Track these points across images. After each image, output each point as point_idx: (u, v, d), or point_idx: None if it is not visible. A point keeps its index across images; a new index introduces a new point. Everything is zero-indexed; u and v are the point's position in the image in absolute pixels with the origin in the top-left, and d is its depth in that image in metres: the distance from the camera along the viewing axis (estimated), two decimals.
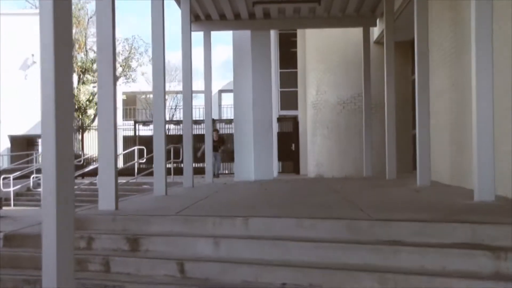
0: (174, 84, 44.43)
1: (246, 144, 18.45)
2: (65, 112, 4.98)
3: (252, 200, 9.80)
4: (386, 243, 5.82)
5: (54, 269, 5.40)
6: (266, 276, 5.85)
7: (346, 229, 6.19)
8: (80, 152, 32.34)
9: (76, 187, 23.22)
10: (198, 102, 42.79)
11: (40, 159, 31.64)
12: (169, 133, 31.62)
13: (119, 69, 40.88)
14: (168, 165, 23.65)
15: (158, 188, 10.78)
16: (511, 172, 8.09)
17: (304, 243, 6.11)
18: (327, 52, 20.12)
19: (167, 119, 35.62)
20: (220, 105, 50.99)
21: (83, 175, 26.13)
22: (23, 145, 35.87)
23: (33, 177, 25.01)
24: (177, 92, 43.40)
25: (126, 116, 49.84)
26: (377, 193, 10.18)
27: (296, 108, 28.47)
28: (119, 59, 41.15)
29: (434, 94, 12.15)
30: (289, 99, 31.49)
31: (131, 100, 52.46)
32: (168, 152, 18.08)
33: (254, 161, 18.30)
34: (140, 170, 25.63)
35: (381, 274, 5.38)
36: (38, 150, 33.20)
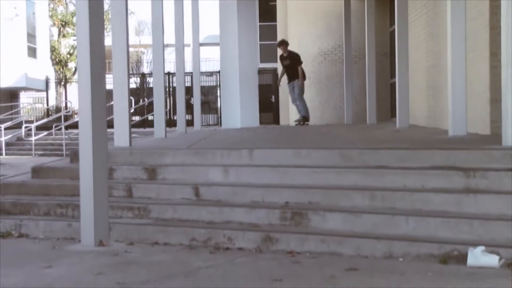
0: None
1: (232, 93, 19.32)
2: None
3: (248, 139, 10.75)
4: (374, 167, 6.81)
5: (91, 193, 6.38)
6: (271, 196, 6.84)
7: (338, 157, 7.17)
8: (68, 104, 33.04)
9: (66, 136, 24.03)
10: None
11: (23, 111, 32.29)
12: (150, 86, 32.28)
13: None
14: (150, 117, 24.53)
15: (158, 131, 11.71)
16: (481, 111, 9.10)
17: (302, 169, 7.09)
18: (309, 5, 20.94)
19: (147, 72, 36.28)
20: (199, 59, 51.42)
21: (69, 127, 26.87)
22: (6, 97, 36.44)
23: (24, 127, 25.75)
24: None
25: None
26: (361, 133, 11.19)
27: (275, 61, 29.31)
28: None
29: (412, 44, 13.09)
30: (268, 52, 32.26)
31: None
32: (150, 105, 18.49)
33: (241, 110, 19.19)
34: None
35: (371, 192, 6.39)
36: (21, 102, 33.77)
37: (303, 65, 16.96)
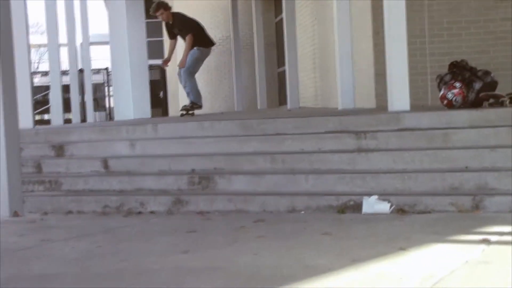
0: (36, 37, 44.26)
1: (124, 88, 19.51)
2: None
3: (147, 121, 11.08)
4: (273, 134, 7.31)
5: (4, 167, 6.64)
6: (178, 165, 7.24)
7: (239, 127, 7.63)
8: None
9: None
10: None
11: None
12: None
13: None
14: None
15: (56, 120, 11.92)
16: (366, 87, 9.81)
17: (206, 139, 7.52)
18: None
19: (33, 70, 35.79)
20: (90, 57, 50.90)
21: None
22: None
23: None
24: (40, 46, 43.29)
25: None
26: (257, 113, 11.74)
27: (162, 56, 29.51)
28: None
29: (300, 31, 13.76)
30: (155, 49, 32.40)
31: None
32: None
33: (133, 103, 19.40)
34: None
35: (271, 155, 6.90)
36: None
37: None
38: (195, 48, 11.30)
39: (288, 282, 3.65)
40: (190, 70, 11.46)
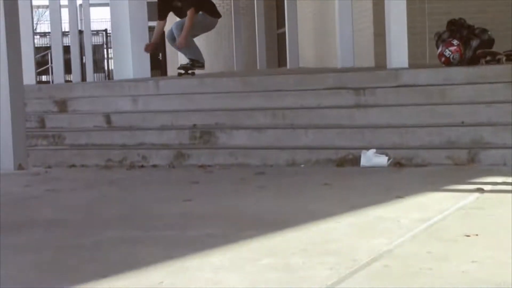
0: None
1: (125, 48, 19.57)
2: None
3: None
4: (273, 91, 7.42)
5: (9, 124, 6.78)
6: (179, 120, 7.35)
7: (240, 84, 7.75)
8: None
9: None
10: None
11: None
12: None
13: None
14: None
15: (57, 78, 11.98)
16: (366, 46, 9.91)
17: (207, 95, 7.62)
18: None
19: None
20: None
21: None
22: None
23: None
24: (38, 7, 43.17)
25: None
26: (259, 71, 11.82)
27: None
28: None
29: None
30: (155, 10, 32.26)
31: None
32: None
33: (132, 62, 19.45)
34: None
35: (272, 111, 7.01)
36: None
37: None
38: (200, 12, 9.43)
39: (290, 225, 3.80)
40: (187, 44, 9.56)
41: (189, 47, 9.63)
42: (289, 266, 3.00)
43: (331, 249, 3.26)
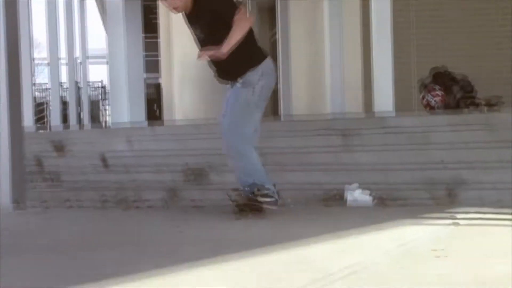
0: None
1: (122, 103, 19.99)
2: None
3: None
4: (265, 136, 7.70)
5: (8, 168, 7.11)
6: (172, 160, 7.63)
7: None
8: None
9: None
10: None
11: None
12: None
13: None
14: None
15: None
16: (354, 97, 10.29)
17: (201, 139, 7.91)
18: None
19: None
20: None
21: None
22: None
23: None
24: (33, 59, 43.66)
25: None
26: None
27: (157, 71, 29.64)
28: None
29: (293, 48, 14.29)
30: (151, 64, 32.58)
31: None
32: None
33: (130, 116, 19.79)
34: None
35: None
36: None
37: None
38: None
39: (274, 245, 4.07)
40: (242, 120, 5.97)
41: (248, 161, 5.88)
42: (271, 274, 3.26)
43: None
